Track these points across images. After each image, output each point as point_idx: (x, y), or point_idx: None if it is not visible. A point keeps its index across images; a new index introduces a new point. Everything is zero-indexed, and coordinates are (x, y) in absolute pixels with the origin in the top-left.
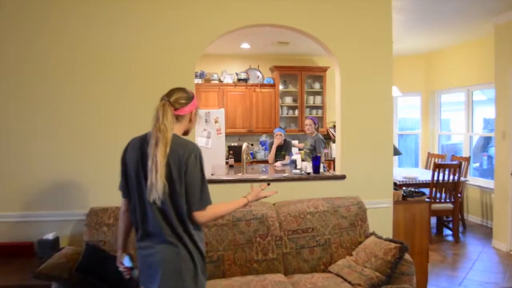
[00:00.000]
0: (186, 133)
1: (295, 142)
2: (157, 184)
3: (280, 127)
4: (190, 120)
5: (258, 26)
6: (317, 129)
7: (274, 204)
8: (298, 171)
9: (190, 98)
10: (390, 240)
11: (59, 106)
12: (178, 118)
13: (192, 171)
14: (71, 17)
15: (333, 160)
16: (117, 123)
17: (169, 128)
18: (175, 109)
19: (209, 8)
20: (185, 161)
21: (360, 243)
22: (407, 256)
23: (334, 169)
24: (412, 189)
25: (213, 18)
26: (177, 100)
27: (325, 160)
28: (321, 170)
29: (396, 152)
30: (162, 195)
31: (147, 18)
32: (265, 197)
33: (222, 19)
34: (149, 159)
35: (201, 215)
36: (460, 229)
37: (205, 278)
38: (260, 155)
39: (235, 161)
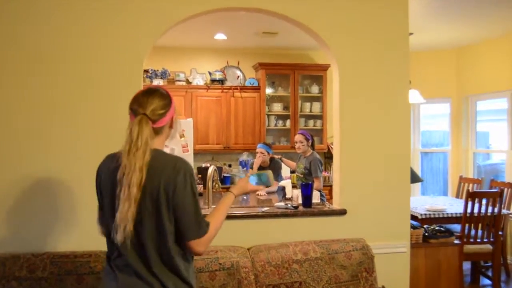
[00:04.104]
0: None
1: (287, 160)
2: (119, 225)
3: (265, 143)
4: (171, 126)
5: (230, 10)
6: (312, 146)
7: (248, 250)
8: (282, 203)
9: (168, 103)
10: None
11: None
12: (157, 131)
13: (182, 192)
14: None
15: None
16: (40, 137)
17: (146, 151)
18: (154, 122)
19: None
20: (172, 181)
21: None
22: None
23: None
24: (437, 227)
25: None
26: (154, 111)
27: (325, 187)
28: (317, 201)
29: (415, 178)
30: (121, 238)
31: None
32: (254, 191)
33: (177, 0)
34: (120, 190)
35: (199, 244)
36: (503, 277)
37: None
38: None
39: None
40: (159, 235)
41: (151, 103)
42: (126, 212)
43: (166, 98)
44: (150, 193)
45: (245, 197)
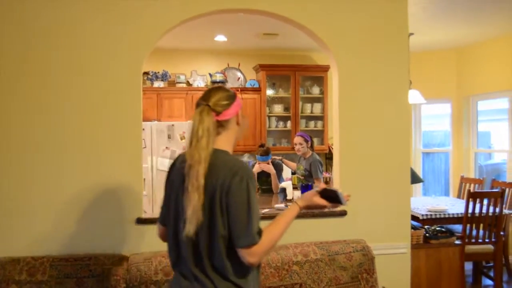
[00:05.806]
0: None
1: (288, 161)
2: (191, 217)
3: (265, 154)
4: (238, 123)
5: (230, 12)
6: (311, 147)
7: None
8: (282, 205)
9: (232, 96)
10: None
11: None
12: (222, 124)
13: (235, 195)
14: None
15: None
16: (37, 147)
17: (209, 142)
18: (217, 114)
19: None
20: (228, 182)
21: None
22: None
23: None
24: (438, 227)
25: (164, 2)
26: (217, 102)
27: None
28: None
29: (416, 179)
30: (194, 229)
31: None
32: (322, 207)
33: (177, 2)
34: (188, 182)
35: (250, 253)
36: (504, 277)
37: None
38: None
39: None
40: (210, 234)
41: (214, 95)
42: (197, 202)
43: (230, 91)
44: (208, 189)
45: None
